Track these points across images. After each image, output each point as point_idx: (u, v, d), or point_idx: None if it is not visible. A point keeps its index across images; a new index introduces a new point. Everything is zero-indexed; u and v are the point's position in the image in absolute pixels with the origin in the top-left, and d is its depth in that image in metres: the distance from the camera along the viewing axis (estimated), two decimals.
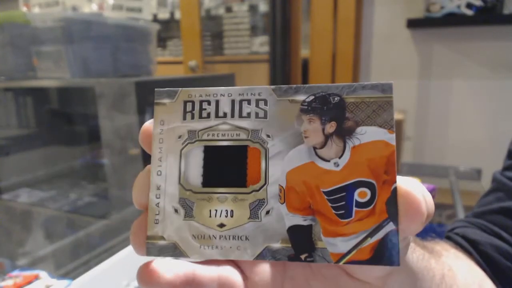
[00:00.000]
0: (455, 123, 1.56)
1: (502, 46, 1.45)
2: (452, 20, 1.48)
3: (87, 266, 0.74)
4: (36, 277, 0.57)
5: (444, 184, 1.09)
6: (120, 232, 0.84)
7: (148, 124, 0.19)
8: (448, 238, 0.39)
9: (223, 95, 0.19)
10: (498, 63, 1.46)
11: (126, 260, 0.58)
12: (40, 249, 0.85)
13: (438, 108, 1.58)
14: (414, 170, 1.35)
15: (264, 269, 0.21)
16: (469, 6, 1.44)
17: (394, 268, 0.20)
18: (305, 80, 1.70)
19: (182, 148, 0.19)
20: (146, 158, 0.20)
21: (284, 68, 1.49)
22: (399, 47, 1.60)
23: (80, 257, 0.77)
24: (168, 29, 2.22)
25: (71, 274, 0.71)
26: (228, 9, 1.99)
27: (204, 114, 0.19)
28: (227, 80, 1.25)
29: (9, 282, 0.55)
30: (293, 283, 0.22)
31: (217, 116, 0.19)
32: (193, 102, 0.19)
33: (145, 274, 0.17)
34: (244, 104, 0.19)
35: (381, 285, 0.21)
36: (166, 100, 0.19)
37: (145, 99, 0.84)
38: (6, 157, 1.12)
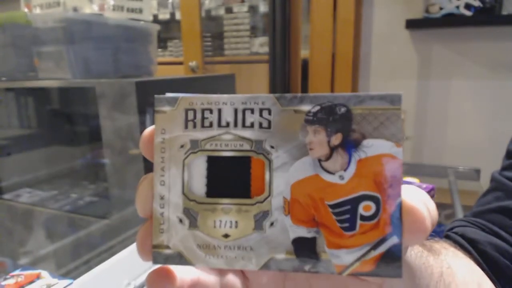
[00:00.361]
0: (454, 123, 1.56)
1: (500, 46, 1.45)
2: (451, 20, 1.48)
3: (87, 265, 0.74)
4: (38, 276, 0.57)
5: (443, 184, 1.10)
6: (121, 232, 0.84)
7: (149, 131, 0.19)
8: (447, 237, 0.39)
9: (226, 104, 0.18)
10: (496, 64, 1.47)
11: (127, 260, 0.58)
12: (41, 248, 0.85)
13: (437, 108, 1.58)
14: (413, 170, 1.34)
15: None
16: (467, 7, 1.44)
17: None
18: (305, 80, 1.70)
19: (185, 158, 0.19)
20: (147, 159, 0.20)
21: (284, 68, 1.48)
22: (398, 48, 1.60)
23: (81, 256, 0.78)
24: (168, 30, 2.22)
25: (72, 274, 0.71)
26: (228, 10, 1.99)
27: (206, 123, 0.18)
28: (227, 80, 1.25)
29: (10, 281, 0.56)
30: (294, 282, 0.23)
31: (219, 125, 0.18)
32: (194, 110, 0.19)
33: (155, 280, 0.19)
34: (247, 113, 0.18)
35: (380, 283, 0.21)
36: (166, 108, 0.19)
37: (146, 99, 0.84)
38: (8, 157, 1.12)
